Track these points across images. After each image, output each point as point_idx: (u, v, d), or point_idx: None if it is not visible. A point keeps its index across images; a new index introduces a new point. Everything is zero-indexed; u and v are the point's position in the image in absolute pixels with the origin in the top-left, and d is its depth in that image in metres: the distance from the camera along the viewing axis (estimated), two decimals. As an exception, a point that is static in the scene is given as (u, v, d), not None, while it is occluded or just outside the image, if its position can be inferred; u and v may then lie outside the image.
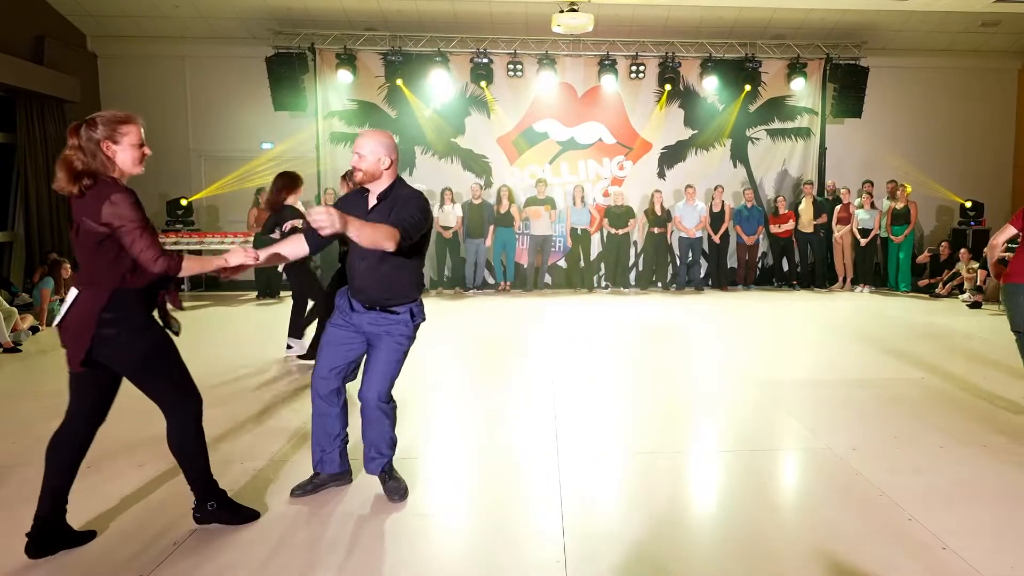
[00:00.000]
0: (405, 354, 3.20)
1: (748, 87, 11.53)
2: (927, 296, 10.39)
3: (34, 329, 7.57)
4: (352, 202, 3.16)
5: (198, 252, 10.91)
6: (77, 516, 3.03)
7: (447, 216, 10.67)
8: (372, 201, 3.12)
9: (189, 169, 11.64)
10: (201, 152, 11.74)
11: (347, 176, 5.51)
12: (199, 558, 2.77)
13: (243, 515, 3.04)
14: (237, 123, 11.65)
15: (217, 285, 11.54)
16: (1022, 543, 2.87)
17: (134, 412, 4.75)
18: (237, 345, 7.01)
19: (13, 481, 3.56)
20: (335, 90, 11.39)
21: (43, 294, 8.07)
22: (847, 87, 11.55)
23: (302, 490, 3.32)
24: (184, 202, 11.03)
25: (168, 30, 11.18)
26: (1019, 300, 4.08)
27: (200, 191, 11.33)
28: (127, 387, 2.87)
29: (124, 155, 2.69)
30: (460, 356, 6.64)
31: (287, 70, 10.92)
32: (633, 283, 11.37)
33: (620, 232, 10.96)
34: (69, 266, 8.52)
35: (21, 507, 3.16)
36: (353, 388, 3.26)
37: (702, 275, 11.40)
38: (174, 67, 11.54)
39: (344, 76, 11.14)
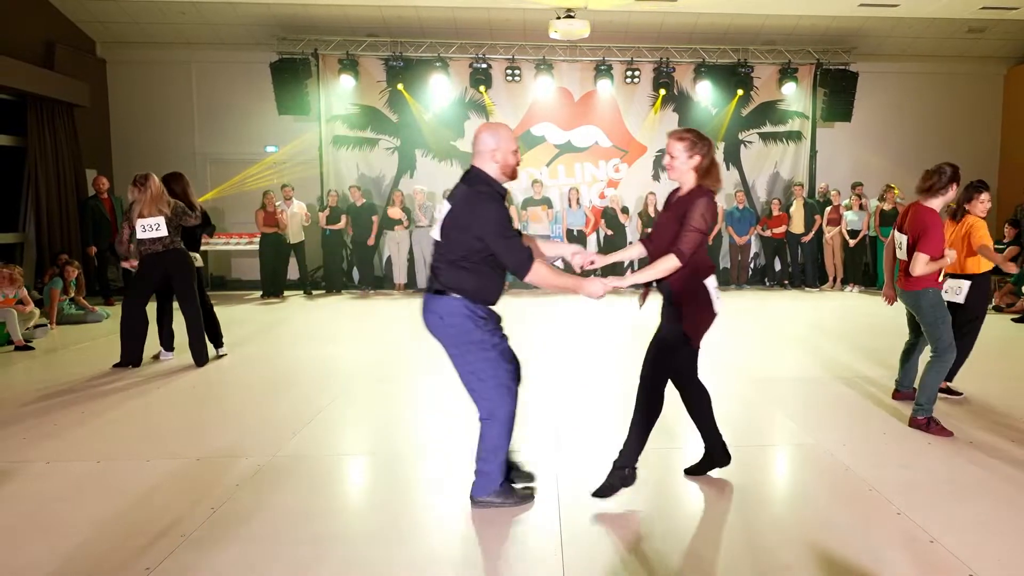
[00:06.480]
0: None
1: (740, 92, 11.81)
2: (914, 295, 10.64)
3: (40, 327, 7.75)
4: None
5: (204, 254, 11.16)
6: (85, 510, 3.18)
7: (447, 217, 10.91)
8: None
9: (195, 171, 11.78)
10: (207, 155, 11.99)
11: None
12: (206, 551, 2.81)
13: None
14: (242, 127, 11.90)
15: (223, 284, 11.79)
16: (1008, 536, 2.96)
17: (142, 409, 5.01)
18: (248, 344, 7.23)
19: (21, 478, 3.62)
20: (338, 95, 11.64)
21: (52, 294, 8.24)
22: (837, 91, 11.82)
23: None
24: (190, 204, 11.24)
25: (175, 36, 11.44)
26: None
27: (206, 193, 11.54)
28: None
29: None
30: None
31: (291, 75, 11.18)
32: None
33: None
34: (77, 267, 8.75)
35: (30, 503, 3.33)
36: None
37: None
38: (181, 72, 11.80)
39: (346, 81, 11.39)
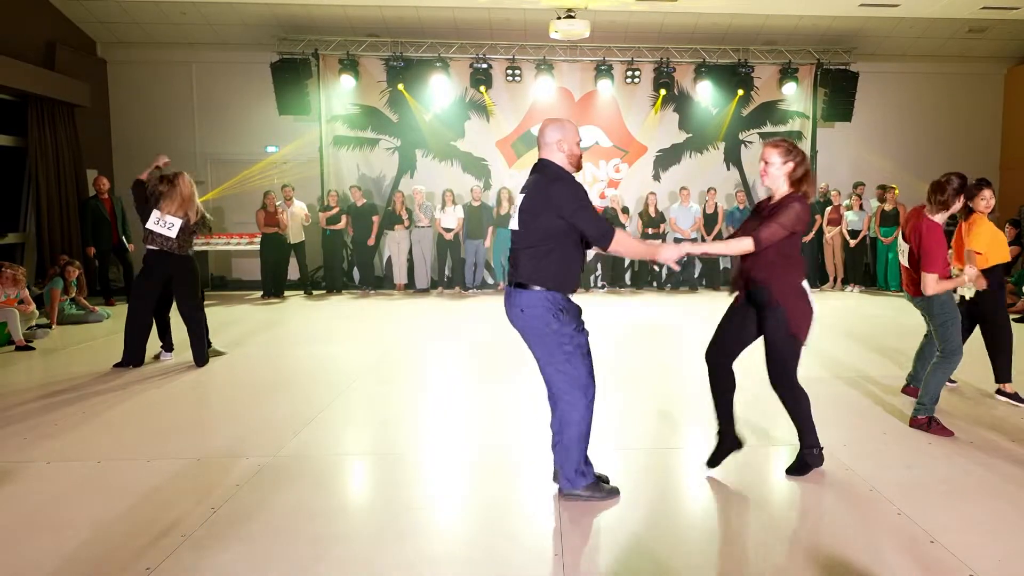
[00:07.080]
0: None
1: (741, 92, 11.81)
2: (915, 295, 10.64)
3: (41, 327, 7.75)
4: None
5: (203, 253, 11.18)
6: (85, 510, 3.18)
7: (448, 218, 10.92)
8: None
9: (196, 172, 11.81)
10: (207, 155, 12.00)
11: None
12: (207, 551, 2.82)
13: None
14: (242, 127, 11.91)
15: (223, 284, 11.80)
16: (1009, 537, 2.96)
17: (142, 409, 5.02)
18: (248, 343, 7.24)
19: (21, 478, 3.61)
20: (338, 95, 11.64)
21: (53, 294, 8.24)
22: (837, 91, 11.82)
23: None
24: (191, 204, 11.25)
25: (176, 36, 11.45)
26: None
27: (207, 193, 11.56)
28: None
29: None
30: (460, 354, 6.86)
31: (291, 75, 11.18)
32: (629, 283, 11.62)
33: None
34: (78, 268, 8.75)
35: (30, 503, 3.32)
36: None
37: (696, 275, 11.67)
38: (182, 73, 11.82)
39: (347, 81, 11.40)
